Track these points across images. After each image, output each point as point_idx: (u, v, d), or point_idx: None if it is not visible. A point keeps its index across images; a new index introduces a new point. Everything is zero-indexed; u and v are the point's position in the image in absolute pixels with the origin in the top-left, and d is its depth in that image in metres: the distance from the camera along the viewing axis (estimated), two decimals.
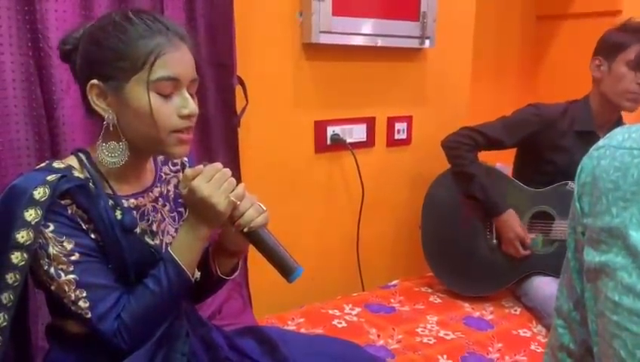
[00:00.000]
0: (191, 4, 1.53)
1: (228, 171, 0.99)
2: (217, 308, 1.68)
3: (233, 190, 0.98)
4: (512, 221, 1.85)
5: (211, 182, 0.97)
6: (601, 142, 0.82)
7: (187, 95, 0.98)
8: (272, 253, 1.02)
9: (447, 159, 1.97)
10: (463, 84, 2.31)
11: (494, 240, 1.93)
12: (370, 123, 2.08)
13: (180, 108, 0.97)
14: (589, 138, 1.79)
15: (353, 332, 1.66)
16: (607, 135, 0.83)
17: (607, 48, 1.82)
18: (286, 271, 1.02)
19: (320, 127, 1.95)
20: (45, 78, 1.30)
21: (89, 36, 0.98)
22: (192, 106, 0.98)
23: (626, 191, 0.78)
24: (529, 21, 2.72)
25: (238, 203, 0.99)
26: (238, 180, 1.02)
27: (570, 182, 1.81)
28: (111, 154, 0.97)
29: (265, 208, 1.02)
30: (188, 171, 0.99)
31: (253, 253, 1.57)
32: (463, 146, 1.92)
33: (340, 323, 1.74)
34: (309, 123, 1.94)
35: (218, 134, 1.64)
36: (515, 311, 1.88)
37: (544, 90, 2.68)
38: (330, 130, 1.98)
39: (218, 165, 0.99)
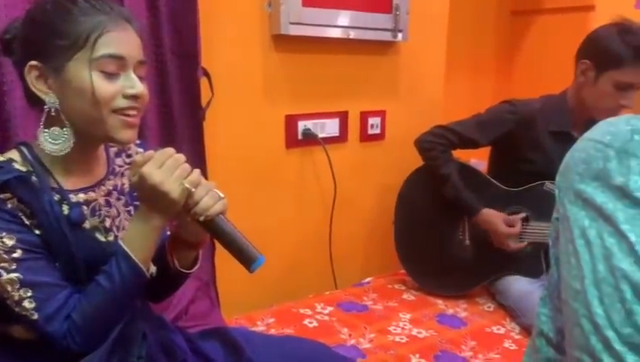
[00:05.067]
0: None
1: (181, 157, 0.93)
2: (184, 308, 1.62)
3: (187, 176, 0.92)
4: (493, 218, 1.81)
5: (163, 168, 0.90)
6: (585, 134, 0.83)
7: (134, 76, 0.93)
8: (231, 241, 0.95)
9: (421, 159, 1.93)
10: (437, 79, 2.28)
11: (467, 240, 1.90)
12: (343, 117, 2.03)
13: (125, 88, 0.91)
14: (564, 137, 1.76)
15: (324, 332, 1.62)
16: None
17: (601, 56, 1.65)
18: (247, 260, 0.95)
19: (291, 121, 1.90)
20: None
21: (27, 17, 0.93)
22: (139, 87, 0.93)
23: (588, 185, 0.78)
24: (504, 16, 2.71)
25: (193, 190, 0.92)
26: (205, 176, 0.96)
27: (546, 182, 1.77)
28: (54, 140, 0.91)
29: (223, 195, 0.96)
30: (138, 157, 0.93)
31: (220, 251, 1.53)
32: (437, 147, 1.88)
33: (311, 322, 1.69)
34: (280, 117, 1.88)
35: (182, 128, 1.57)
36: (489, 307, 1.85)
37: (519, 85, 2.67)
38: (302, 125, 1.92)
39: (170, 150, 0.93)
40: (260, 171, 1.87)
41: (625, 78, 1.62)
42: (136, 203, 1.06)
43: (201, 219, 0.94)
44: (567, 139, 1.75)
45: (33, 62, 0.90)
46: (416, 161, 1.95)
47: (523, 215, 1.81)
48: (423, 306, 1.84)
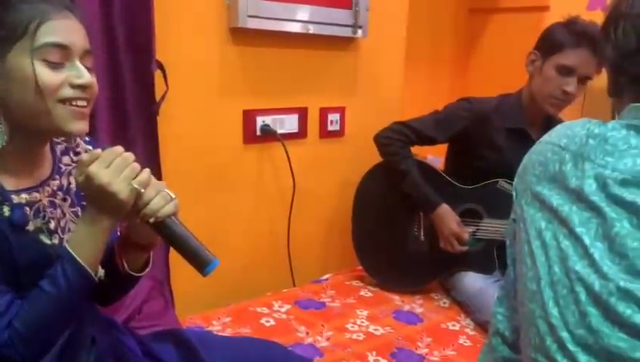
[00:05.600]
0: None
1: (130, 155, 0.89)
2: (136, 308, 1.57)
3: (136, 176, 0.89)
4: (448, 216, 1.82)
5: (111, 167, 0.86)
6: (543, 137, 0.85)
7: (80, 65, 0.89)
8: (182, 244, 0.92)
9: (380, 154, 1.93)
10: (397, 75, 2.29)
11: (422, 236, 1.92)
12: (303, 113, 2.01)
13: (71, 78, 0.88)
14: (520, 135, 1.79)
15: (282, 331, 1.60)
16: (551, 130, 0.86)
17: (546, 44, 1.74)
18: (200, 263, 0.92)
19: (249, 116, 1.86)
20: None
21: None
22: (86, 76, 0.89)
23: (544, 187, 0.80)
24: (462, 13, 2.74)
25: (142, 190, 0.89)
26: (158, 173, 0.92)
27: (500, 180, 1.79)
28: None
29: (174, 195, 0.92)
30: (84, 156, 0.89)
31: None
32: (395, 142, 1.88)
33: (269, 321, 1.67)
34: (237, 112, 1.85)
35: (135, 123, 1.52)
36: (444, 303, 1.88)
37: (476, 83, 2.71)
38: (260, 120, 1.89)
39: (118, 148, 0.89)
40: (217, 168, 1.83)
41: (566, 61, 1.68)
42: (83, 203, 1.02)
43: (151, 220, 0.91)
44: (522, 137, 1.78)
45: None
46: (375, 158, 1.95)
47: (472, 229, 1.84)
48: (380, 302, 1.85)
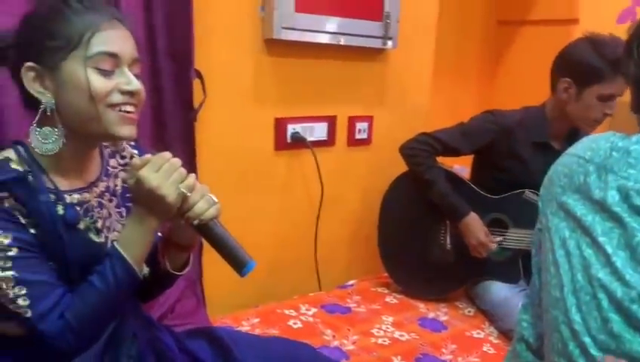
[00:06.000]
0: None
1: (177, 161, 0.95)
2: (169, 307, 1.63)
3: (183, 180, 0.94)
4: (476, 225, 1.84)
5: (160, 172, 0.92)
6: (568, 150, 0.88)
7: (129, 72, 0.95)
8: (223, 246, 0.98)
9: (406, 165, 1.97)
10: (424, 86, 2.32)
11: (448, 244, 1.94)
12: (331, 122, 2.06)
13: (121, 84, 0.94)
14: (544, 148, 1.81)
15: (308, 333, 1.64)
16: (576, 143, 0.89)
17: (580, 73, 1.71)
18: (238, 264, 0.98)
19: (280, 124, 1.92)
20: None
21: (23, 22, 0.95)
22: (135, 83, 0.95)
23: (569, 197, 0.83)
24: (490, 25, 2.76)
25: (189, 194, 0.95)
26: (195, 176, 0.98)
27: (526, 191, 1.81)
28: (44, 139, 0.93)
29: (216, 200, 0.98)
30: (136, 160, 0.95)
31: (208, 250, 1.54)
32: (420, 153, 1.91)
33: (296, 323, 1.72)
34: (270, 120, 1.91)
35: (174, 128, 1.59)
36: (469, 312, 1.90)
37: (503, 94, 2.72)
38: (291, 128, 1.95)
39: (167, 154, 0.95)
40: (249, 172, 1.89)
41: (607, 91, 1.69)
42: (128, 205, 1.08)
43: (195, 222, 0.96)
44: (546, 150, 1.81)
45: (29, 64, 0.92)
46: (402, 166, 1.99)
47: (499, 239, 1.86)
48: (405, 309, 1.88)
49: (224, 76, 1.75)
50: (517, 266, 1.84)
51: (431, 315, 1.85)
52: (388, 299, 1.96)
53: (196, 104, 1.62)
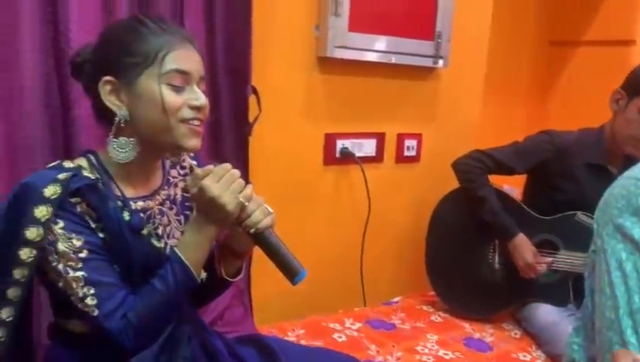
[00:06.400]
0: (210, 13, 1.55)
1: (237, 172, 1.00)
2: (219, 314, 1.68)
3: (242, 191, 0.99)
4: (524, 246, 1.82)
5: (221, 182, 0.98)
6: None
7: (197, 89, 1.01)
8: (277, 254, 1.02)
9: (458, 181, 1.97)
10: (474, 106, 2.32)
11: (497, 264, 1.93)
12: (380, 138, 2.09)
13: (190, 100, 0.99)
14: (600, 170, 1.78)
15: (353, 347, 1.66)
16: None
17: (631, 84, 1.70)
18: (290, 273, 1.02)
19: (330, 139, 1.96)
20: (64, 78, 1.31)
21: (101, 39, 1.03)
22: (202, 99, 1.01)
23: (626, 220, 0.82)
24: (541, 46, 2.74)
25: (246, 204, 1.00)
26: (252, 187, 1.03)
27: (578, 213, 1.78)
28: (120, 149, 0.99)
29: (272, 210, 1.03)
30: (198, 170, 1.00)
31: (256, 261, 1.58)
32: (474, 170, 1.91)
33: (340, 337, 1.74)
34: (320, 135, 1.95)
35: (230, 141, 1.65)
36: (516, 334, 1.87)
37: (553, 115, 2.69)
38: (340, 144, 1.99)
39: (228, 166, 1.00)
40: (299, 185, 1.93)
41: None
42: (187, 213, 1.14)
43: (252, 231, 1.01)
44: (602, 173, 1.77)
45: (107, 78, 0.98)
46: (450, 184, 1.99)
47: (549, 260, 1.83)
48: (450, 329, 1.87)
49: (277, 92, 1.80)
50: (566, 288, 1.80)
51: (477, 336, 1.83)
52: (433, 317, 1.96)
53: (251, 118, 1.68)
